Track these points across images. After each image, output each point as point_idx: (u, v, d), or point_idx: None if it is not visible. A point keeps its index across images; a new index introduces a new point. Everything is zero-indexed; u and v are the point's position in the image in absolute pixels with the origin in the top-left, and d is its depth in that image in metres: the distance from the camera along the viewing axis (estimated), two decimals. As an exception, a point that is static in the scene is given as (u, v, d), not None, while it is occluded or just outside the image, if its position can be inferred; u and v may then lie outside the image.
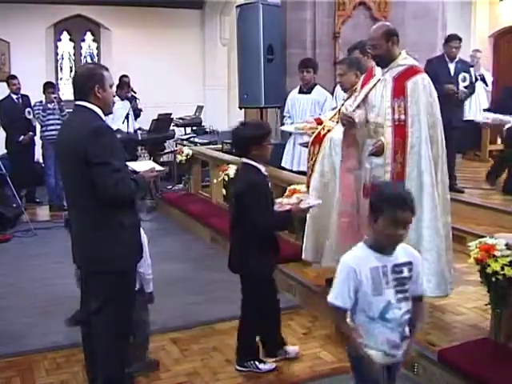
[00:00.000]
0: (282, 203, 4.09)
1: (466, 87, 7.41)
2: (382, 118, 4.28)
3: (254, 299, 4.08)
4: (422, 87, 4.22)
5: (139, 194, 3.62)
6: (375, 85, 4.38)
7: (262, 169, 4.03)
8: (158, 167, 3.86)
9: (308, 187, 5.11)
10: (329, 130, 4.93)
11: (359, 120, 4.32)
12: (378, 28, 4.37)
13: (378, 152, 4.25)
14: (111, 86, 3.54)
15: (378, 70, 4.43)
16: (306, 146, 5.22)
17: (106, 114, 3.53)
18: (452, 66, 7.48)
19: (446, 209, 4.41)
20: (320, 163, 4.93)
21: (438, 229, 4.21)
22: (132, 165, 3.76)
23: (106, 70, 3.53)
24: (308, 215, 4.76)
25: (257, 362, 4.14)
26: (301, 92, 7.19)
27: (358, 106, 4.43)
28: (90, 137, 3.27)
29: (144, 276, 4.02)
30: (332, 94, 6.86)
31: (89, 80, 3.43)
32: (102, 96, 3.44)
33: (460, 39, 7.51)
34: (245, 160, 4.00)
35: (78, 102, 3.48)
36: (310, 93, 7.12)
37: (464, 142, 8.77)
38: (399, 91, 4.21)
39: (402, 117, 4.19)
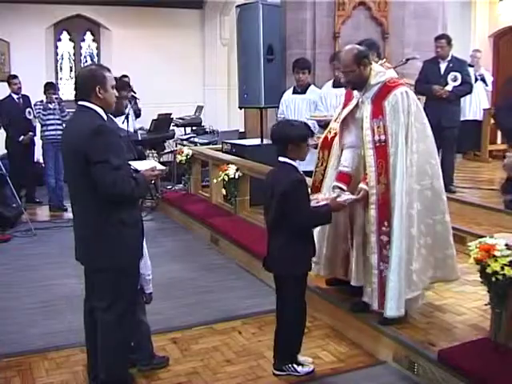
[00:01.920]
0: (318, 198, 4.12)
1: (457, 86, 7.40)
2: (364, 141, 4.29)
3: (296, 299, 4.01)
4: (399, 104, 4.18)
5: (139, 192, 3.65)
6: (357, 106, 4.40)
7: (298, 166, 4.01)
8: (160, 166, 3.89)
9: (314, 191, 5.02)
10: (336, 133, 4.88)
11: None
12: (348, 53, 4.31)
13: (364, 200, 4.27)
14: (113, 87, 3.59)
15: (355, 93, 4.46)
16: (316, 148, 5.16)
17: (107, 114, 3.60)
18: (443, 66, 7.50)
19: (441, 208, 4.42)
20: (331, 168, 4.80)
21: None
22: (134, 164, 3.79)
23: (108, 71, 3.59)
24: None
25: (295, 365, 4.08)
26: (295, 92, 7.18)
27: (347, 126, 4.51)
28: (90, 136, 3.35)
29: (144, 277, 4.03)
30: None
31: (90, 81, 3.50)
32: (104, 96, 3.51)
33: (446, 38, 7.51)
34: (283, 159, 3.96)
35: (80, 102, 3.55)
36: (304, 93, 7.12)
37: (464, 142, 8.78)
38: (377, 112, 4.20)
39: (383, 137, 4.18)
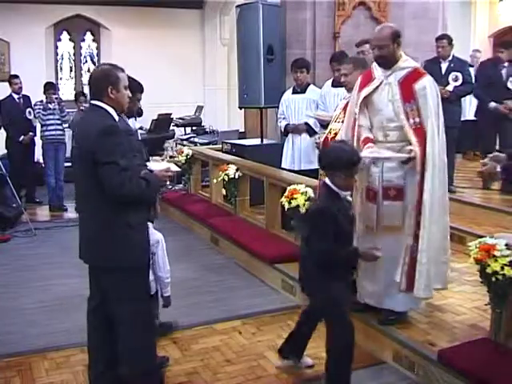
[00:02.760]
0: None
1: (458, 87, 7.40)
2: (391, 122, 4.24)
3: (341, 325, 3.71)
4: (429, 90, 4.16)
5: (150, 193, 3.62)
6: (377, 88, 4.34)
7: (342, 193, 3.68)
8: (174, 167, 3.87)
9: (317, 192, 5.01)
10: (336, 133, 4.86)
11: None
12: (385, 28, 4.33)
13: (410, 161, 4.14)
14: (126, 88, 3.59)
15: (377, 72, 4.38)
16: (318, 148, 5.14)
17: (119, 114, 3.59)
18: (444, 66, 7.50)
19: (446, 209, 4.39)
20: None
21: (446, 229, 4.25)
22: (149, 164, 3.80)
23: (122, 71, 3.60)
24: None
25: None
26: (295, 92, 7.19)
27: (361, 109, 4.40)
28: (98, 136, 3.34)
29: (162, 280, 4.06)
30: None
31: (103, 80, 3.51)
32: (116, 96, 3.52)
33: (447, 38, 7.52)
34: (327, 181, 3.69)
35: (92, 102, 3.56)
36: (304, 92, 7.12)
37: (464, 141, 8.78)
38: (409, 95, 4.17)
39: (417, 119, 4.13)
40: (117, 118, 3.54)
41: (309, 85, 7.20)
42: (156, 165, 3.88)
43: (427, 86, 4.18)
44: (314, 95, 7.04)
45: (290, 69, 7.36)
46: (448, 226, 4.33)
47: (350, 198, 3.85)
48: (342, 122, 4.84)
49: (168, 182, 3.95)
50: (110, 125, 3.43)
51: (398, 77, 4.24)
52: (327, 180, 3.69)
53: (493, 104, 7.57)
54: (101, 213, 3.47)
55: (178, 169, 3.93)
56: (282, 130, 7.28)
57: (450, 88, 7.34)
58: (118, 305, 3.55)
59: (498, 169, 3.49)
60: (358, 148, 4.17)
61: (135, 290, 3.58)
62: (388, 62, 4.28)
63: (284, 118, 7.21)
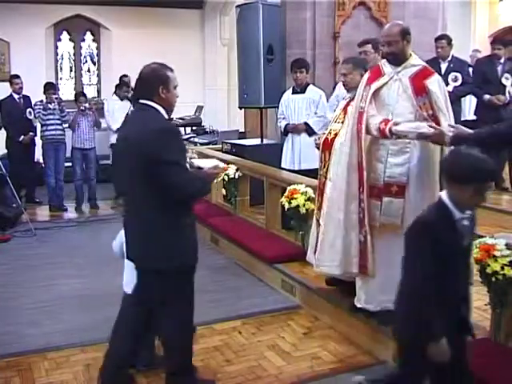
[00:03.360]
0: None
1: (457, 87, 7.40)
2: (399, 117, 4.22)
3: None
4: (439, 89, 4.17)
5: (205, 192, 3.71)
6: (387, 83, 4.33)
7: (457, 215, 2.82)
8: (222, 164, 3.88)
9: (319, 194, 5.01)
10: (336, 134, 4.85)
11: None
12: (395, 25, 4.32)
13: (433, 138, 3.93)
14: (175, 87, 3.56)
15: (386, 69, 4.36)
16: (318, 148, 5.13)
17: (169, 114, 3.58)
18: (444, 66, 7.51)
19: None
20: (333, 166, 4.75)
21: None
22: (197, 161, 3.82)
23: (171, 70, 3.56)
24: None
25: None
26: (295, 92, 7.19)
27: (370, 103, 4.36)
28: (158, 136, 3.33)
29: None
30: (332, 92, 6.85)
31: (154, 80, 3.49)
32: (166, 96, 3.49)
33: (446, 38, 7.52)
34: (443, 196, 2.88)
35: (142, 101, 3.52)
36: (304, 92, 7.13)
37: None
38: (420, 90, 4.16)
39: (430, 112, 4.11)
40: (167, 117, 3.54)
41: (308, 85, 7.20)
42: (204, 162, 3.85)
43: (438, 84, 4.19)
44: (313, 95, 7.05)
45: (289, 69, 7.37)
46: None
47: (467, 223, 2.87)
48: (342, 122, 4.84)
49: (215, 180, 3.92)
50: (167, 125, 3.49)
51: (408, 73, 4.24)
52: (443, 195, 2.89)
53: (487, 96, 7.57)
54: (153, 213, 3.43)
55: (224, 165, 3.90)
56: (282, 130, 7.28)
57: (449, 88, 7.33)
58: (166, 304, 3.60)
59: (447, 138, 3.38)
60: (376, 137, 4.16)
61: (184, 290, 3.66)
62: (397, 58, 4.28)
63: (284, 118, 7.21)
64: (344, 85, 5.09)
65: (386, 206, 4.24)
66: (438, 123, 4.03)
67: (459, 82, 7.40)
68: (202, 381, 3.94)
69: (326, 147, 4.93)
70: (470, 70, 8.21)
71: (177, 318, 3.65)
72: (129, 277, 3.81)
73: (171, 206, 3.41)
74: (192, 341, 3.84)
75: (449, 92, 7.16)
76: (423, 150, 4.16)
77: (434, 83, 4.18)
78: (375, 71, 4.44)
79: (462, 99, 7.93)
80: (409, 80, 4.21)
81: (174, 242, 3.48)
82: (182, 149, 3.46)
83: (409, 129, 3.99)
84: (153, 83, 3.48)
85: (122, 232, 3.81)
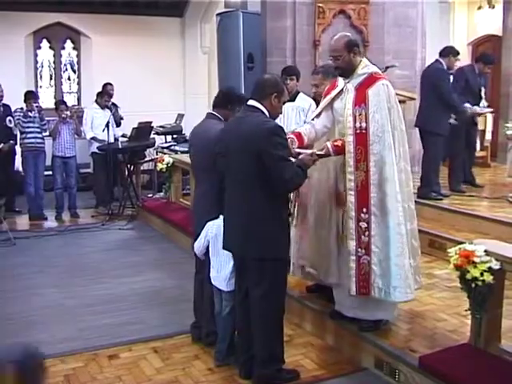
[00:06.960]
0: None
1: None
2: (345, 127, 4.28)
3: None
4: (382, 94, 4.19)
5: (304, 180, 3.92)
6: (338, 95, 4.40)
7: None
8: (318, 151, 4.15)
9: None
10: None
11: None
12: (340, 38, 4.35)
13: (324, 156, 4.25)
14: (284, 102, 4.03)
15: (340, 81, 4.45)
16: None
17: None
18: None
19: (410, 216, 4.38)
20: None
21: (402, 234, 4.17)
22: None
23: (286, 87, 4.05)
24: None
25: None
26: None
27: (319, 115, 4.53)
28: (268, 135, 3.71)
29: None
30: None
31: (273, 87, 3.90)
32: (275, 105, 3.91)
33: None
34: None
35: (250, 102, 3.91)
36: (293, 100, 7.11)
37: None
38: (360, 99, 4.21)
39: (364, 124, 4.16)
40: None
41: (298, 93, 7.18)
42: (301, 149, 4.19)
43: (380, 90, 4.20)
44: (303, 103, 7.03)
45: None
46: (411, 233, 4.34)
47: None
48: None
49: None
50: (276, 125, 3.83)
51: (355, 83, 4.30)
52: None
53: (467, 105, 7.63)
54: (259, 204, 3.79)
55: (321, 152, 4.15)
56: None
57: None
58: (261, 295, 3.84)
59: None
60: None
61: (279, 281, 3.91)
62: (345, 71, 4.34)
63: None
64: (317, 96, 5.09)
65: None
66: (365, 140, 4.16)
67: None
68: (287, 371, 4.09)
69: None
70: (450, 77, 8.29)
71: (270, 305, 3.88)
72: (226, 273, 4.17)
73: (276, 199, 3.82)
74: (282, 331, 4.05)
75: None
76: None
77: (377, 91, 4.20)
78: (332, 85, 4.59)
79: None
80: (354, 90, 4.28)
81: (277, 233, 3.83)
82: (287, 146, 3.88)
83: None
84: (271, 89, 3.88)
85: (205, 232, 4.27)
